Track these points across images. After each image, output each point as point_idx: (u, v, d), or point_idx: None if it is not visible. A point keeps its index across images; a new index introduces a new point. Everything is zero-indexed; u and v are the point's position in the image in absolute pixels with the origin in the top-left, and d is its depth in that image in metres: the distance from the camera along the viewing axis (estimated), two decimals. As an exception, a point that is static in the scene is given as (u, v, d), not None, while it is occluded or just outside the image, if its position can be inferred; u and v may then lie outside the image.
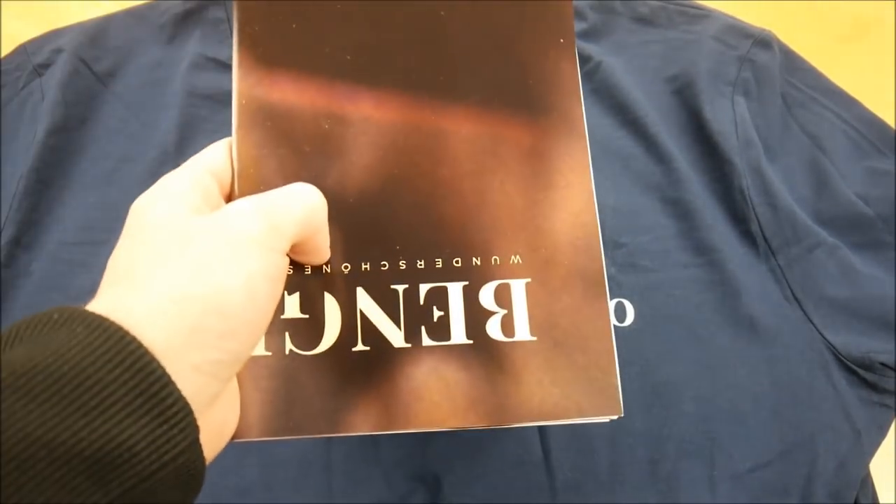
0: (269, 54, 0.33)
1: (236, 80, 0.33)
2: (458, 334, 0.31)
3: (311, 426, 0.30)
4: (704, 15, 0.49)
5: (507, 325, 0.31)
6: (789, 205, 0.43)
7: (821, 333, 0.41)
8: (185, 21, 0.50)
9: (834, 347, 0.41)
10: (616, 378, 0.30)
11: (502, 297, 0.31)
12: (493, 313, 0.31)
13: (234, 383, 0.29)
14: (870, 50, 0.59)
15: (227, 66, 0.48)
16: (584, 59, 0.47)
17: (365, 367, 0.30)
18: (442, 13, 0.34)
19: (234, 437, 0.29)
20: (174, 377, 0.21)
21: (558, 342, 0.31)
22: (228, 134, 0.47)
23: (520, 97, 0.33)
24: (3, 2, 0.61)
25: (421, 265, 0.32)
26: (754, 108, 0.46)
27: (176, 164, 0.45)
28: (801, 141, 0.46)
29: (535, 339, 0.31)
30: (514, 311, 0.31)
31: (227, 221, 0.25)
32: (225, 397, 0.26)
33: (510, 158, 0.33)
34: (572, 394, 0.30)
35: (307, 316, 0.31)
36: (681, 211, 0.43)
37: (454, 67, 0.34)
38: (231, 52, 0.48)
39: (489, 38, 0.34)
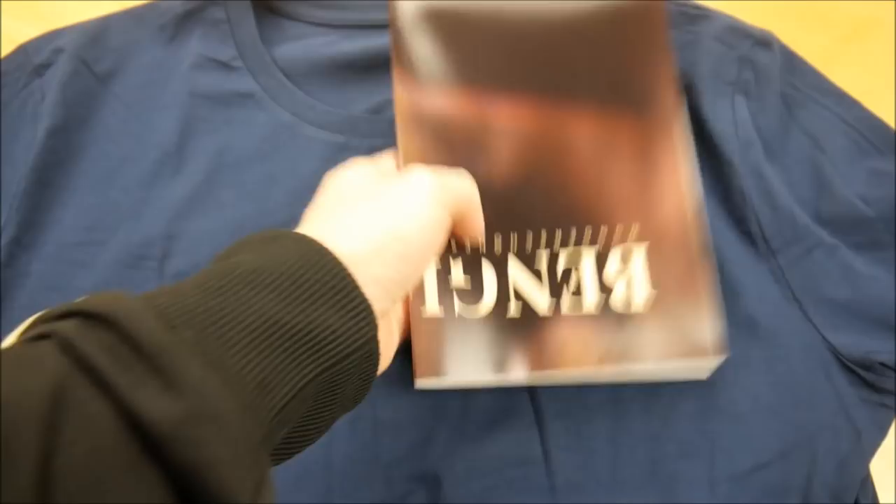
0: (422, 71, 0.41)
1: (397, 93, 0.41)
2: (592, 294, 0.38)
3: (477, 373, 0.38)
4: (704, 15, 0.49)
5: (630, 285, 0.38)
6: (789, 205, 0.43)
7: (821, 334, 0.41)
8: (185, 21, 0.50)
9: (834, 347, 0.41)
10: (717, 327, 0.36)
11: (626, 258, 0.38)
12: (619, 276, 0.38)
13: (392, 327, 0.35)
14: (870, 50, 0.58)
15: (228, 67, 0.48)
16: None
17: (517, 330, 0.38)
18: (562, 33, 0.41)
19: (417, 383, 0.38)
20: (360, 283, 0.26)
21: (671, 296, 0.37)
22: (229, 134, 0.48)
23: (629, 98, 0.40)
24: (3, 2, 0.61)
25: (559, 235, 0.39)
26: (754, 108, 0.46)
27: (176, 164, 0.45)
28: (801, 141, 0.46)
29: (653, 293, 0.37)
30: (635, 273, 0.38)
31: (409, 177, 0.32)
32: (384, 327, 0.30)
33: (623, 150, 0.39)
34: (683, 339, 0.36)
35: (469, 279, 0.38)
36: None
37: (575, 77, 0.41)
38: (232, 52, 0.49)
39: (602, 52, 0.41)
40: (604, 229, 0.38)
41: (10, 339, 0.23)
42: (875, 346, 0.40)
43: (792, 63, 0.48)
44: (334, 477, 0.39)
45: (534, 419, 0.39)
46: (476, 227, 0.37)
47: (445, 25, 0.42)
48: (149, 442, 0.19)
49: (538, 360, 0.37)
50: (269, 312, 0.23)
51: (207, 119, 0.47)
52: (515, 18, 0.42)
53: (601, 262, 0.38)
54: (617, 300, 0.37)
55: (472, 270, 0.39)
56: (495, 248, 0.39)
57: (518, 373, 0.38)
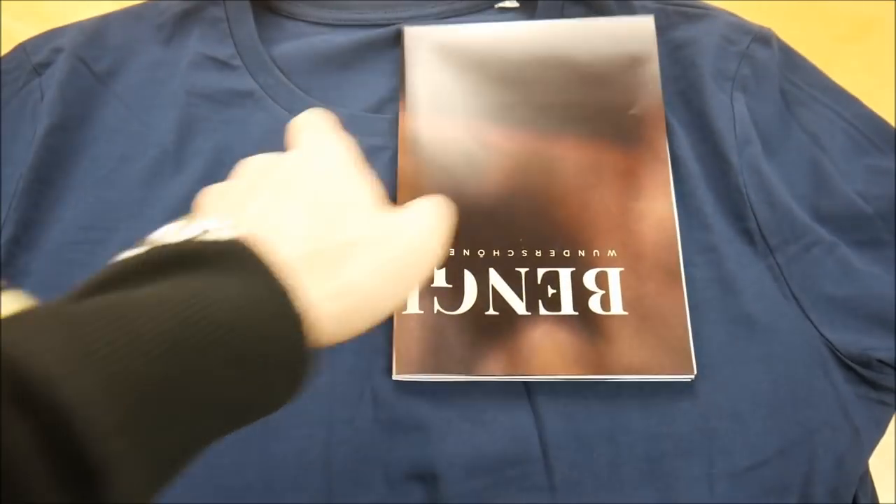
0: (426, 101, 0.46)
1: (402, 118, 0.45)
2: (567, 307, 0.40)
3: (453, 368, 0.39)
4: (704, 14, 0.49)
5: (605, 302, 0.40)
6: (788, 202, 0.43)
7: (819, 331, 0.41)
8: (184, 20, 0.50)
9: (832, 345, 0.40)
10: (690, 345, 0.39)
11: (601, 281, 0.41)
12: (594, 293, 0.40)
13: None
14: (870, 50, 0.58)
15: (226, 65, 0.48)
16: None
17: (494, 327, 0.40)
18: (558, 72, 0.46)
19: (394, 375, 0.39)
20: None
21: (644, 316, 0.40)
22: (228, 133, 0.48)
23: (616, 131, 0.44)
24: (3, 2, 0.61)
25: (538, 254, 0.42)
26: (753, 104, 0.46)
27: (175, 163, 0.45)
28: (800, 138, 0.46)
29: (626, 313, 0.40)
30: (611, 292, 0.40)
31: (416, 215, 0.29)
32: None
33: (607, 177, 0.43)
34: (655, 355, 0.39)
35: (451, 286, 0.41)
36: (681, 210, 0.43)
37: (565, 110, 0.45)
38: (231, 51, 0.49)
39: (592, 87, 0.46)
40: (581, 253, 0.41)
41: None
42: (873, 344, 0.40)
43: (791, 60, 0.48)
44: (334, 477, 0.38)
45: (533, 419, 0.39)
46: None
47: (452, 59, 0.47)
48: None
49: (514, 363, 0.39)
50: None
51: (206, 118, 0.47)
52: (516, 57, 0.47)
53: (577, 282, 0.41)
54: (591, 316, 0.40)
55: (455, 279, 0.41)
56: (478, 261, 0.41)
57: (494, 372, 0.39)
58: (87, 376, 0.18)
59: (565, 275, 0.41)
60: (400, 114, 0.46)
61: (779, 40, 0.49)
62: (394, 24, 0.50)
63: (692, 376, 0.39)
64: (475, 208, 0.43)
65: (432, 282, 0.41)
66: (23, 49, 0.49)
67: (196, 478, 0.38)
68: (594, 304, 0.40)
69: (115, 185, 0.45)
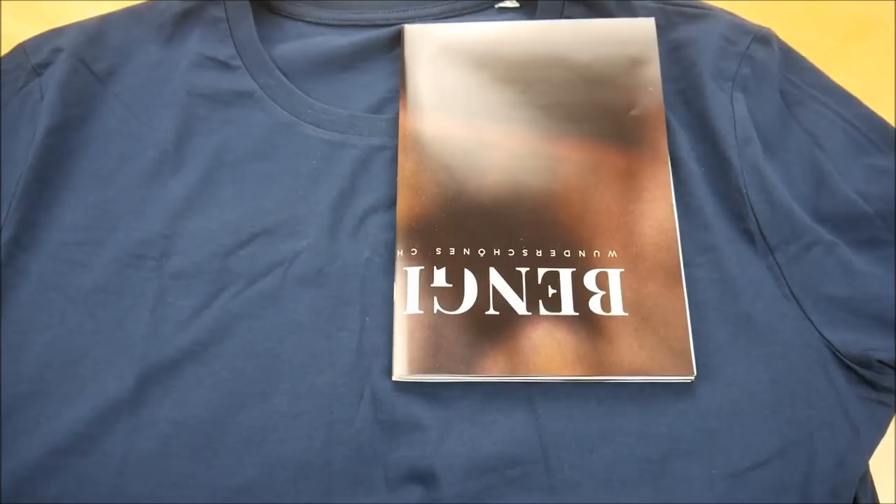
0: (426, 100, 0.46)
1: (402, 117, 0.45)
2: (568, 307, 0.40)
3: (453, 368, 0.39)
4: (704, 14, 0.49)
5: (605, 303, 0.40)
6: (788, 202, 0.43)
7: (819, 331, 0.41)
8: (183, 20, 0.50)
9: (832, 345, 0.40)
10: (690, 347, 0.39)
11: (602, 281, 0.41)
12: (594, 293, 0.41)
13: None
14: (870, 50, 0.58)
15: (226, 66, 0.48)
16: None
17: (494, 327, 0.40)
18: (560, 73, 0.46)
19: (394, 375, 0.39)
20: None
21: (645, 318, 0.40)
22: (228, 134, 0.48)
23: (617, 132, 0.44)
24: (3, 2, 0.61)
25: (539, 254, 0.41)
26: (753, 104, 0.46)
27: (175, 163, 0.46)
28: (800, 138, 0.46)
29: (626, 314, 0.40)
30: (611, 293, 0.40)
31: None
32: None
33: (608, 178, 0.43)
34: (655, 357, 0.39)
35: (451, 285, 0.41)
36: (681, 210, 0.43)
37: (566, 110, 0.45)
38: (231, 52, 0.49)
39: (592, 87, 0.46)
40: (581, 253, 0.41)
41: None
42: (874, 344, 0.40)
43: (791, 60, 0.48)
44: (334, 477, 0.38)
45: (532, 419, 0.39)
46: None
47: (452, 59, 0.47)
48: None
49: (514, 363, 0.39)
50: None
51: (206, 118, 0.47)
52: (517, 57, 0.47)
53: (577, 283, 0.41)
54: (592, 317, 0.40)
55: (455, 278, 0.41)
56: (478, 260, 0.41)
57: (494, 372, 0.39)
58: None
59: (566, 275, 0.41)
60: (400, 113, 0.46)
61: (779, 40, 0.49)
62: (394, 25, 0.51)
63: (692, 377, 0.39)
64: (475, 208, 0.43)
65: (432, 281, 0.41)
66: (22, 49, 0.49)
67: (196, 478, 0.39)
68: (594, 305, 0.40)
69: (114, 185, 0.45)
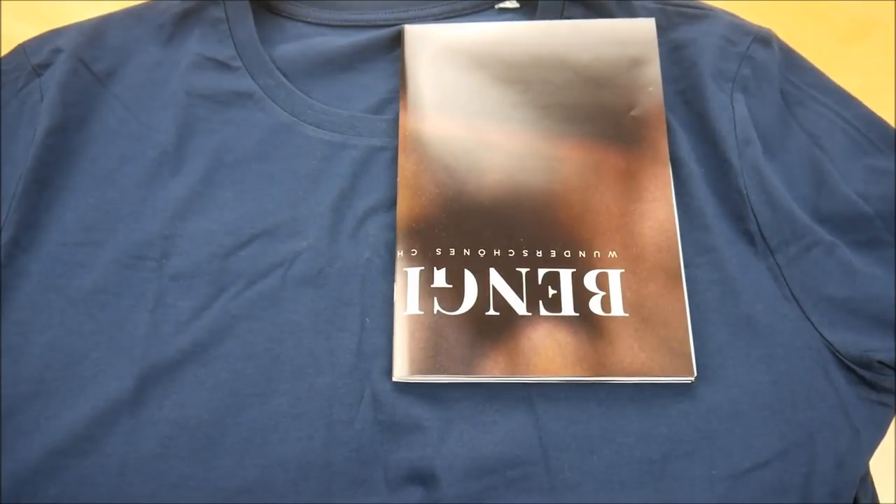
0: (426, 100, 0.46)
1: (402, 118, 0.45)
2: (568, 308, 0.40)
3: (453, 368, 0.39)
4: (704, 15, 0.49)
5: (606, 304, 0.40)
6: (788, 203, 0.43)
7: (819, 332, 0.41)
8: (183, 21, 0.50)
9: (832, 346, 0.40)
10: (690, 348, 0.39)
11: (602, 282, 0.41)
12: (594, 294, 0.41)
13: None
14: (870, 50, 0.58)
15: (226, 66, 0.48)
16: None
17: (494, 328, 0.40)
18: (561, 74, 0.46)
19: (394, 376, 0.39)
20: None
21: (645, 318, 0.40)
22: (228, 134, 0.48)
23: (617, 132, 0.44)
24: (3, 2, 0.61)
25: (539, 254, 0.42)
26: (753, 105, 0.46)
27: (175, 164, 0.45)
28: (800, 139, 0.46)
29: (627, 315, 0.40)
30: (611, 294, 0.40)
31: None
32: None
33: (609, 178, 0.43)
34: (655, 357, 0.39)
35: (451, 286, 0.41)
36: (681, 210, 0.43)
37: (566, 110, 0.45)
38: (231, 52, 0.49)
39: (592, 88, 0.46)
40: (582, 253, 0.42)
41: None
42: (874, 345, 0.40)
43: (791, 61, 0.48)
44: (334, 477, 0.38)
45: (533, 420, 0.39)
46: None
47: (452, 59, 0.47)
48: None
49: (515, 364, 0.39)
50: None
51: (206, 119, 0.47)
52: (517, 58, 0.47)
53: (578, 283, 0.41)
54: (592, 317, 0.40)
55: (455, 279, 0.41)
56: (478, 261, 0.41)
57: (494, 372, 0.39)
58: None
59: (566, 275, 0.41)
60: (400, 113, 0.46)
61: (779, 41, 0.49)
62: (394, 25, 0.51)
63: (692, 378, 0.39)
64: (475, 208, 0.43)
65: (432, 282, 0.41)
66: (22, 50, 0.49)
67: (197, 479, 0.39)
68: (595, 306, 0.40)
69: (114, 185, 0.45)
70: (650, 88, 0.46)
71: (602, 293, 0.41)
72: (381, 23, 0.51)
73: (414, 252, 0.42)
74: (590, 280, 0.41)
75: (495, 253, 0.42)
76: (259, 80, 0.48)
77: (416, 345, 0.40)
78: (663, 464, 0.38)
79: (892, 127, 0.46)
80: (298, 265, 0.43)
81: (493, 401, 0.40)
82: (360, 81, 0.49)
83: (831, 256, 0.42)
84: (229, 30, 0.49)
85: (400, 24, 0.50)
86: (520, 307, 0.40)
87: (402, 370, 0.39)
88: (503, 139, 0.45)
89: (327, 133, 0.46)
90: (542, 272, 0.41)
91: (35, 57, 0.48)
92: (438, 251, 0.42)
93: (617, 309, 0.40)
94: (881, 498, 0.41)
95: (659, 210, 0.42)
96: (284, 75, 0.48)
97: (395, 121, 0.46)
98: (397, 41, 0.50)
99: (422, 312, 0.40)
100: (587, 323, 0.40)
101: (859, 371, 0.40)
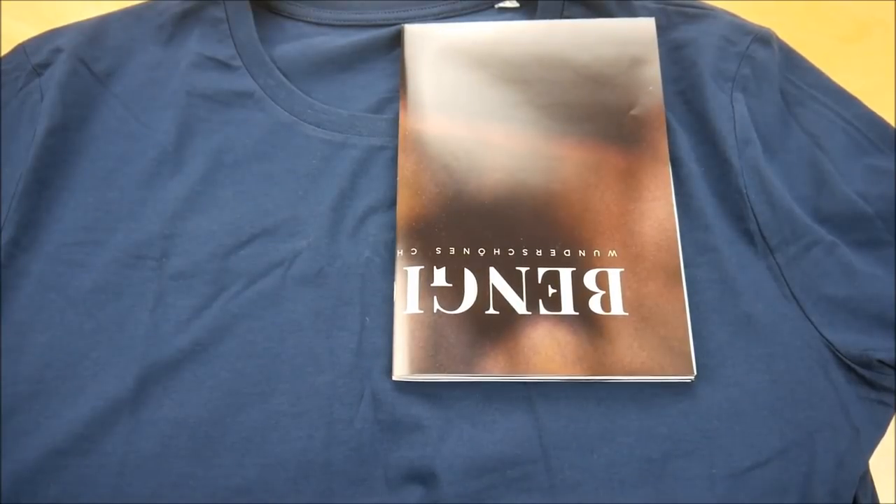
0: (426, 100, 0.46)
1: (402, 117, 0.45)
2: (568, 307, 0.40)
3: (452, 367, 0.39)
4: (704, 14, 0.49)
5: (605, 303, 0.40)
6: (788, 203, 0.43)
7: (819, 331, 0.41)
8: (183, 20, 0.50)
9: (832, 345, 0.40)
10: (690, 346, 0.39)
11: (602, 281, 0.41)
12: (594, 293, 0.41)
13: None
14: (870, 50, 0.59)
15: (226, 66, 0.48)
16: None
17: (494, 327, 0.40)
18: (561, 74, 0.46)
19: (394, 375, 0.39)
20: None
21: (645, 317, 0.40)
22: (228, 134, 0.48)
23: (617, 132, 0.45)
24: (3, 2, 0.61)
25: (539, 254, 0.42)
26: (753, 104, 0.46)
27: (175, 164, 0.45)
28: (800, 139, 0.46)
29: (626, 314, 0.40)
30: (611, 293, 0.41)
31: None
32: None
33: (609, 177, 0.43)
34: (655, 356, 0.39)
35: (451, 285, 0.41)
36: (681, 210, 0.43)
37: (566, 110, 0.45)
38: (231, 52, 0.49)
39: (592, 87, 0.46)
40: (581, 253, 0.42)
41: None
42: (874, 344, 0.40)
43: (791, 60, 0.48)
44: (334, 477, 0.38)
45: (533, 419, 0.39)
46: None
47: (452, 58, 0.47)
48: None
49: (514, 363, 0.39)
50: None
51: (206, 118, 0.47)
52: (517, 57, 0.47)
53: (577, 282, 0.41)
54: (592, 317, 0.40)
55: (455, 278, 0.41)
56: (478, 260, 0.42)
57: (494, 371, 0.39)
58: None
59: (566, 275, 0.41)
60: (400, 113, 0.46)
61: (779, 41, 0.49)
62: (394, 25, 0.51)
63: (692, 377, 0.39)
64: (475, 207, 0.43)
65: (432, 281, 0.41)
66: (22, 50, 0.49)
67: (196, 478, 0.39)
68: (594, 305, 0.40)
69: (114, 185, 0.45)
70: (650, 88, 0.46)
71: (602, 292, 0.41)
72: (381, 22, 0.51)
73: (414, 251, 0.42)
74: (590, 279, 0.41)
75: (495, 252, 0.42)
76: (259, 79, 0.48)
77: (416, 344, 0.40)
78: (663, 463, 0.38)
79: (892, 127, 0.46)
80: (298, 264, 0.43)
81: (493, 400, 0.40)
82: (360, 81, 0.49)
83: (831, 256, 0.42)
84: (229, 29, 0.49)
85: (400, 23, 0.50)
86: (520, 306, 0.40)
87: (402, 369, 0.39)
88: (503, 139, 0.45)
89: (327, 133, 0.46)
90: (541, 271, 0.41)
91: (35, 57, 0.48)
92: (438, 250, 0.42)
93: (617, 308, 0.40)
94: (881, 497, 0.41)
95: (659, 209, 0.42)
96: (284, 75, 0.48)
97: (395, 120, 0.46)
98: (397, 41, 0.50)
99: (422, 311, 0.40)
100: (587, 322, 0.40)
101: (859, 370, 0.40)
